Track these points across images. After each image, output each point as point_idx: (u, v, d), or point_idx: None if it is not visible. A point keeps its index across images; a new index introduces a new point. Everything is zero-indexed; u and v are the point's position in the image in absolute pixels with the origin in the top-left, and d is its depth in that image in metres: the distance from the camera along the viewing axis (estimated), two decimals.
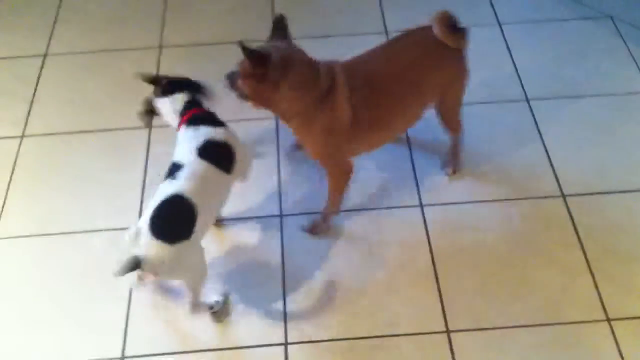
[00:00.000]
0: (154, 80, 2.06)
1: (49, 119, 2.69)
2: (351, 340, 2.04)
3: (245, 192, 2.34)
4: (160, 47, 2.95)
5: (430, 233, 2.28)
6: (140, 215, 2.30)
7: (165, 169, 1.95)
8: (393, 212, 2.35)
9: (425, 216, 2.32)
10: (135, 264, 1.70)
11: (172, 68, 2.79)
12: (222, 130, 1.99)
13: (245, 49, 1.81)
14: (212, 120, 2.01)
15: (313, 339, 2.04)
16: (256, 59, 1.84)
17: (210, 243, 2.19)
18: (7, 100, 2.76)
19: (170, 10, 3.12)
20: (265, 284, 2.17)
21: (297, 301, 2.12)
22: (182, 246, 1.78)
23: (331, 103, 1.96)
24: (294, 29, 2.00)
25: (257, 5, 3.12)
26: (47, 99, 2.77)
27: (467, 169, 2.45)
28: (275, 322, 2.07)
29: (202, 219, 1.84)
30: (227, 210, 2.28)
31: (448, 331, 2.04)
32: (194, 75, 2.10)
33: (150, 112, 2.07)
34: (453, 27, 2.06)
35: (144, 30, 3.03)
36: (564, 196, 2.36)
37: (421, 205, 2.36)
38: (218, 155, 1.95)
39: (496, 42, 2.91)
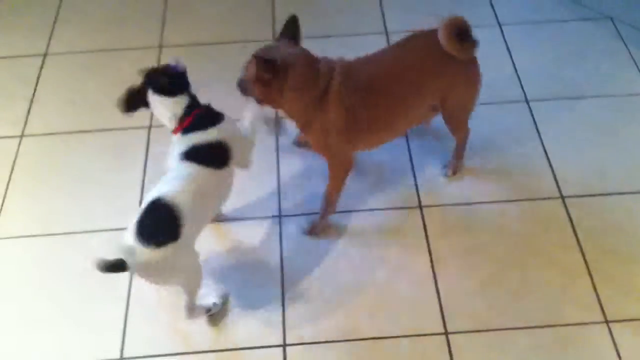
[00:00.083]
0: (153, 75, 1.97)
1: (48, 118, 2.69)
2: (350, 342, 2.04)
3: (245, 193, 2.34)
4: (160, 47, 2.95)
5: (429, 234, 2.28)
6: None
7: (164, 169, 1.95)
8: (392, 213, 2.35)
9: (425, 217, 2.33)
10: (119, 267, 1.69)
11: None
12: (214, 129, 1.95)
13: (258, 58, 1.87)
14: (212, 116, 1.98)
15: (311, 341, 2.04)
16: (264, 65, 1.89)
17: (209, 244, 2.19)
18: (6, 100, 2.76)
19: (170, 10, 3.12)
20: (264, 285, 2.17)
21: (296, 302, 2.12)
22: (170, 248, 1.76)
23: (325, 104, 1.98)
24: None
25: (257, 5, 3.12)
26: (46, 98, 2.77)
27: (467, 170, 2.44)
28: (273, 324, 2.07)
29: (191, 218, 1.82)
30: (225, 211, 2.28)
31: (447, 332, 2.04)
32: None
33: (134, 104, 1.96)
34: (462, 36, 1.99)
35: (143, 30, 3.03)
36: (563, 197, 2.36)
37: (420, 206, 2.36)
38: (206, 155, 1.92)
39: (496, 43, 2.91)
